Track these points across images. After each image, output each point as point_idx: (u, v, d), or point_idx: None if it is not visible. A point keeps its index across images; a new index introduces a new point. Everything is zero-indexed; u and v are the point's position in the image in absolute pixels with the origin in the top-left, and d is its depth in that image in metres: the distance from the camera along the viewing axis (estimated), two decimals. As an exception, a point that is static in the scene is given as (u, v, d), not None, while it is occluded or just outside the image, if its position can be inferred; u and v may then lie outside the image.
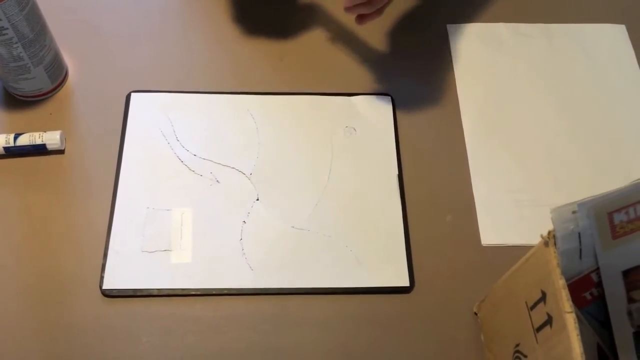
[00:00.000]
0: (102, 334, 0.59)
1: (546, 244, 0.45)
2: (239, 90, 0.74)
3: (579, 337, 0.42)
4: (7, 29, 0.61)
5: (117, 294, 0.61)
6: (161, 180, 0.67)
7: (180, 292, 0.61)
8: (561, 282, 0.44)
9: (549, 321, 0.46)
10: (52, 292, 0.61)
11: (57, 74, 0.71)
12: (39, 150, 0.67)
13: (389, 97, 0.75)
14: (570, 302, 0.43)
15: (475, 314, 0.63)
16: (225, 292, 0.62)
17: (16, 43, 0.63)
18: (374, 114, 0.73)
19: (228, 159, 0.69)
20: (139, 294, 0.61)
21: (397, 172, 0.69)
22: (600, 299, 0.48)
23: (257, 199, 0.67)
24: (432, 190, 0.69)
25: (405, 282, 0.63)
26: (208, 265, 0.63)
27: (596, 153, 0.73)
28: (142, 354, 0.59)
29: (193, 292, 0.61)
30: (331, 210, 0.67)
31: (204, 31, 0.79)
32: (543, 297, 0.46)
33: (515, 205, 0.69)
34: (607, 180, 0.70)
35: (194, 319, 0.61)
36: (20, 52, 0.64)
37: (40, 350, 0.59)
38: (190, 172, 0.68)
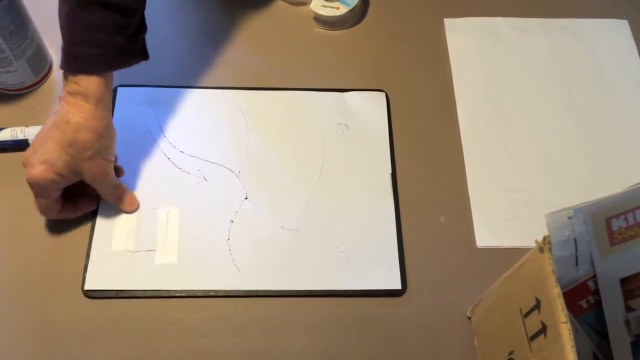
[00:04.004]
0: (84, 335, 0.58)
1: (541, 250, 0.43)
2: (228, 86, 0.72)
3: (574, 348, 0.40)
4: (-14, 20, 0.59)
5: (99, 295, 0.59)
6: (147, 178, 0.65)
7: (164, 294, 0.60)
8: (556, 291, 0.42)
9: (543, 330, 0.44)
10: (32, 292, 0.59)
11: (41, 67, 0.69)
12: (21, 145, 0.65)
13: (384, 94, 0.73)
14: (566, 312, 0.41)
15: (469, 318, 0.61)
16: (211, 293, 0.60)
17: (-4, 35, 0.61)
18: (367, 111, 0.71)
19: (216, 156, 0.67)
20: (122, 295, 0.59)
21: (390, 171, 0.68)
22: (597, 307, 0.47)
23: (246, 198, 0.65)
24: (427, 190, 0.67)
25: (397, 285, 0.61)
26: (194, 265, 0.61)
27: (595, 152, 0.71)
28: (124, 356, 0.57)
29: (178, 294, 0.60)
30: (322, 210, 0.65)
31: (193, 24, 0.77)
32: (537, 305, 0.45)
33: (512, 205, 0.67)
34: (606, 180, 0.69)
35: (178, 321, 0.59)
36: (1, 44, 0.62)
37: (19, 352, 0.57)
38: (177, 169, 0.66)
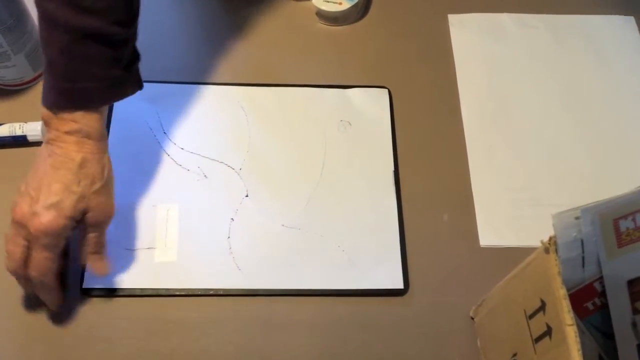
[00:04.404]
0: (81, 334, 0.57)
1: (547, 250, 0.42)
2: (229, 82, 0.71)
3: (580, 352, 0.39)
4: (-16, 14, 0.58)
5: (98, 294, 0.58)
6: (146, 175, 0.64)
7: (164, 292, 0.59)
8: (562, 292, 0.41)
9: (548, 332, 0.43)
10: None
11: (40, 62, 0.68)
12: (19, 142, 0.64)
13: (386, 90, 0.72)
14: (572, 314, 0.40)
15: (472, 318, 0.60)
16: (211, 292, 0.59)
17: (-7, 30, 0.60)
18: (370, 108, 0.70)
19: (217, 153, 0.66)
20: (120, 293, 0.58)
21: (393, 169, 0.67)
22: (604, 309, 0.46)
23: (246, 196, 0.64)
24: (429, 188, 0.67)
25: (399, 285, 0.60)
26: (194, 264, 0.60)
27: (601, 151, 0.70)
28: (123, 356, 0.57)
29: (177, 293, 0.59)
30: (323, 208, 0.64)
31: (194, 19, 0.76)
32: (542, 307, 0.44)
33: (516, 204, 0.66)
34: (612, 180, 0.68)
35: (178, 321, 0.58)
36: (-1, 39, 0.61)
37: (16, 351, 0.56)
38: (177, 166, 0.65)
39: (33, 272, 0.52)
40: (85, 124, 0.53)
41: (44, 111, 0.53)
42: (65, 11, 0.49)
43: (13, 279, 0.59)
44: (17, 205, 0.52)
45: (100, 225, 0.55)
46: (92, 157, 0.53)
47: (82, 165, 0.53)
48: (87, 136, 0.53)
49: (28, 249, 0.52)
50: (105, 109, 0.56)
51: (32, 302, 0.58)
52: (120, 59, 0.54)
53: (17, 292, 0.58)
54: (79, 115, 0.52)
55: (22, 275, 0.53)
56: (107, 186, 0.55)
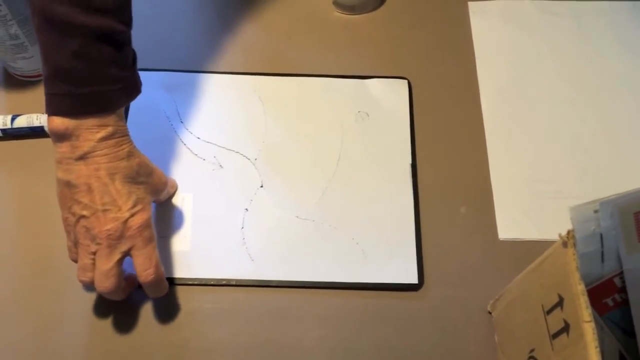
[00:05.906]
0: (95, 324, 0.57)
1: (564, 244, 0.41)
2: (245, 71, 0.70)
3: (598, 349, 0.38)
4: (1, 5, 0.58)
5: (112, 283, 0.59)
6: (162, 164, 0.64)
7: (177, 282, 0.59)
8: (580, 288, 0.40)
9: (565, 329, 0.42)
10: (46, 279, 0.59)
11: (57, 52, 0.68)
12: (37, 132, 0.65)
13: (406, 81, 0.70)
14: (590, 310, 0.39)
15: (490, 312, 0.59)
16: (224, 282, 0.59)
17: (11, 20, 0.60)
18: (388, 99, 0.69)
19: (232, 142, 0.66)
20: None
21: (410, 161, 0.65)
22: (624, 305, 0.44)
23: (261, 186, 0.64)
24: (447, 180, 0.65)
25: (414, 280, 0.59)
26: (207, 253, 0.60)
27: (625, 143, 0.68)
28: (136, 346, 0.57)
29: (190, 282, 0.59)
30: (338, 200, 0.63)
31: (210, 7, 0.76)
32: (560, 302, 0.43)
33: (536, 196, 0.65)
34: (636, 172, 0.65)
35: (191, 311, 0.58)
36: (16, 30, 0.61)
37: (32, 340, 0.57)
38: (193, 155, 0.65)
39: (142, 277, 0.53)
40: (121, 124, 0.53)
41: (61, 124, 0.51)
42: (78, 13, 0.48)
43: (30, 266, 0.59)
44: (96, 227, 0.51)
45: (163, 188, 0.59)
46: (132, 147, 0.54)
47: (130, 159, 0.53)
48: (123, 134, 0.54)
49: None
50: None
51: (45, 291, 0.58)
52: (127, 59, 0.54)
53: (33, 280, 0.59)
54: (109, 119, 0.52)
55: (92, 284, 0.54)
56: (150, 163, 0.57)
